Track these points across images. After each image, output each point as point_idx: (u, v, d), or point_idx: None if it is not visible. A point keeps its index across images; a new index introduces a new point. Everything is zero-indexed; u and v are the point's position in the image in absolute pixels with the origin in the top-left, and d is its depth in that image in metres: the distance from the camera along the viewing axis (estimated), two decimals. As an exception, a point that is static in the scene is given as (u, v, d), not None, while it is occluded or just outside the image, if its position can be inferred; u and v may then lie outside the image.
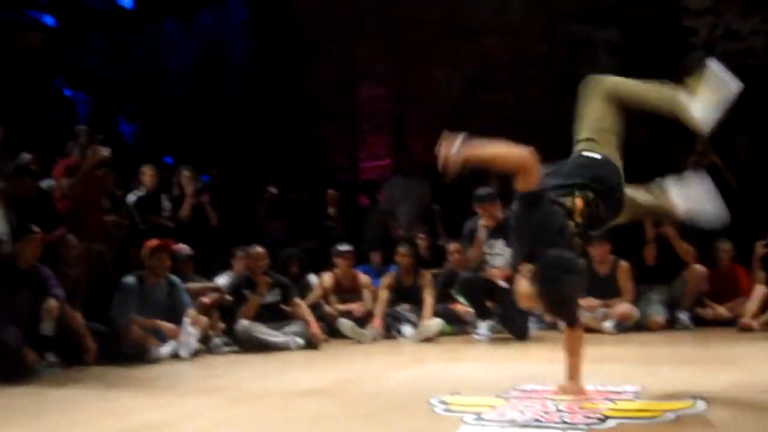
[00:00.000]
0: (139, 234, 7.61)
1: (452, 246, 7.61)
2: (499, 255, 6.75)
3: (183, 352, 6.11)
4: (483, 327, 6.71)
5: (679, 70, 6.77)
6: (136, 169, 8.36)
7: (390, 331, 7.20)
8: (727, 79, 3.76)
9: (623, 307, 6.86)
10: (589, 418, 3.11)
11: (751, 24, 8.99)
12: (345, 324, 7.00)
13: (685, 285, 7.03)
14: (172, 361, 6.00)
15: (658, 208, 3.90)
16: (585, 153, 3.75)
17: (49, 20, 12.93)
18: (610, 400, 3.50)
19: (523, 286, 3.36)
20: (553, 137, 9.86)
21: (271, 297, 6.86)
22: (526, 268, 3.34)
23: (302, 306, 6.89)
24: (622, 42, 9.65)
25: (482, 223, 6.74)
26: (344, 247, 7.61)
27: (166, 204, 8.08)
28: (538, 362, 5.29)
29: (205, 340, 6.53)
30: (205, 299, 6.87)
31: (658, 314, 6.87)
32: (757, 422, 3.08)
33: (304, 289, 7.50)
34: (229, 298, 7.03)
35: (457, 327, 7.27)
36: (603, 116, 3.79)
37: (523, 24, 10.26)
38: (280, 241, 8.82)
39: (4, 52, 12.27)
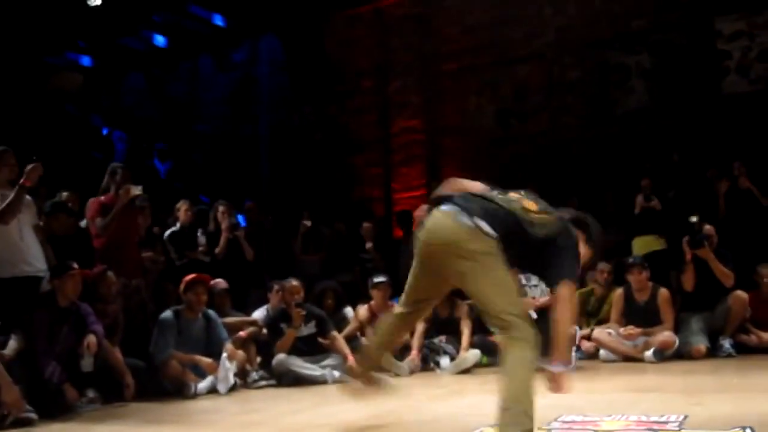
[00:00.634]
0: (175, 269, 7.67)
1: None
2: (535, 286, 6.71)
3: (221, 388, 6.12)
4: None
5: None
6: (172, 205, 8.46)
7: (427, 362, 7.13)
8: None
9: (664, 335, 6.73)
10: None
11: (785, 45, 8.91)
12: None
13: (728, 311, 6.88)
14: (210, 396, 6.01)
15: None
16: None
17: (86, 61, 13.21)
18: (653, 430, 3.43)
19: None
20: (587, 163, 9.91)
21: (307, 330, 6.85)
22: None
23: (339, 339, 6.87)
24: (655, 67, 9.59)
25: None
26: (380, 279, 7.57)
27: (202, 239, 8.13)
28: (578, 392, 5.20)
29: (242, 374, 6.53)
30: (242, 333, 6.89)
31: (700, 342, 6.73)
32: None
33: (341, 322, 7.47)
34: (265, 331, 7.03)
35: (494, 358, 7.18)
36: None
37: (555, 51, 10.26)
38: (316, 273, 8.84)
39: (45, 92, 12.56)
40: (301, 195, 10.94)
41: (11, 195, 5.74)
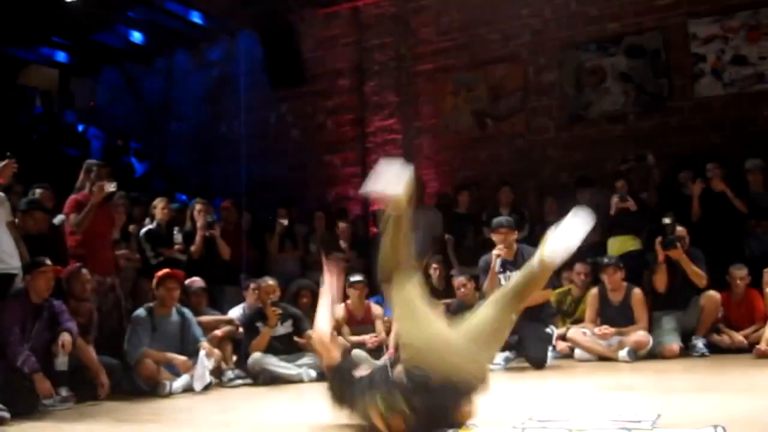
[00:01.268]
0: (150, 268, 7.63)
1: (458, 280, 7.60)
2: (513, 282, 6.73)
3: (197, 385, 6.10)
4: (499, 357, 6.67)
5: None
6: (148, 203, 8.41)
7: (403, 361, 7.14)
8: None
9: (637, 335, 6.80)
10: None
11: (759, 49, 9.00)
12: (359, 355, 6.96)
13: (700, 311, 6.96)
14: (185, 395, 5.98)
15: (534, 277, 3.69)
16: None
17: (61, 56, 13.09)
18: (627, 429, 3.45)
19: None
20: (563, 165, 9.97)
21: (283, 329, 6.85)
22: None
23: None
24: (630, 69, 9.67)
25: (496, 252, 6.69)
26: (356, 278, 7.58)
27: (178, 237, 8.09)
28: (553, 391, 5.24)
29: (218, 373, 6.52)
30: (218, 332, 6.87)
31: (673, 342, 6.80)
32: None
33: (317, 321, 7.47)
34: (241, 330, 7.02)
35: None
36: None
37: (531, 53, 10.30)
38: (292, 272, 8.83)
39: (18, 88, 12.42)
40: (277, 194, 10.90)
41: (-16, 192, 5.70)
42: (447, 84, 10.83)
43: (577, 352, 7.08)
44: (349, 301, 7.59)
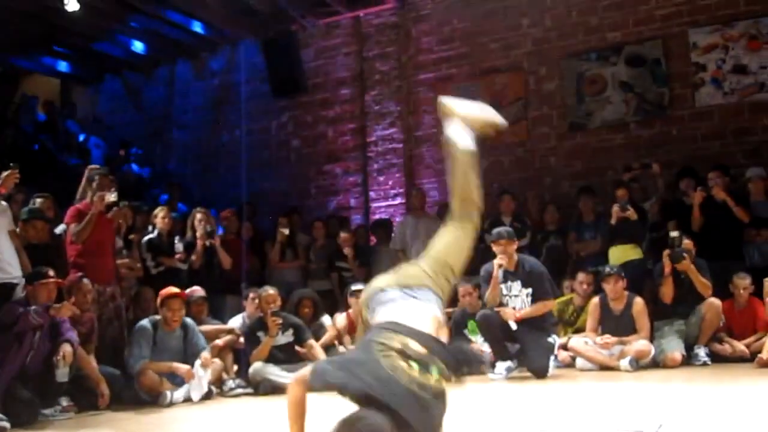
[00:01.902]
0: (151, 277, 7.63)
1: (463, 288, 7.58)
2: (516, 296, 6.73)
3: (194, 395, 6.09)
4: (501, 367, 6.66)
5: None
6: (149, 212, 8.41)
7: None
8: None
9: (639, 344, 6.78)
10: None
11: (759, 58, 9.01)
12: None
13: (702, 320, 6.94)
14: (185, 405, 5.97)
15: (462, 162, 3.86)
16: None
17: (63, 66, 13.11)
18: (630, 439, 3.45)
19: None
20: (564, 174, 9.98)
21: (285, 338, 6.84)
22: None
23: (316, 347, 6.86)
24: (631, 78, 9.68)
25: (497, 262, 6.68)
26: (357, 287, 7.57)
27: (179, 246, 8.09)
28: (556, 401, 5.23)
29: (218, 382, 6.51)
30: (219, 341, 6.86)
31: (675, 350, 6.79)
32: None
33: (318, 331, 7.46)
34: (242, 340, 7.01)
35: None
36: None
37: (532, 62, 10.32)
38: (293, 282, 8.83)
39: (20, 97, 12.44)
40: (278, 203, 10.91)
41: (-14, 201, 5.70)
42: (447, 93, 10.80)
43: (579, 361, 7.07)
44: (350, 310, 7.58)
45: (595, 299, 7.26)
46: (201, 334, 6.59)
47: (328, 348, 7.11)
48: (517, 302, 6.72)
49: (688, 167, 8.57)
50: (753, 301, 7.12)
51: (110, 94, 13.67)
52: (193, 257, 8.03)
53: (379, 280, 3.37)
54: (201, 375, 6.20)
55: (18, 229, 6.41)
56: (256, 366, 6.52)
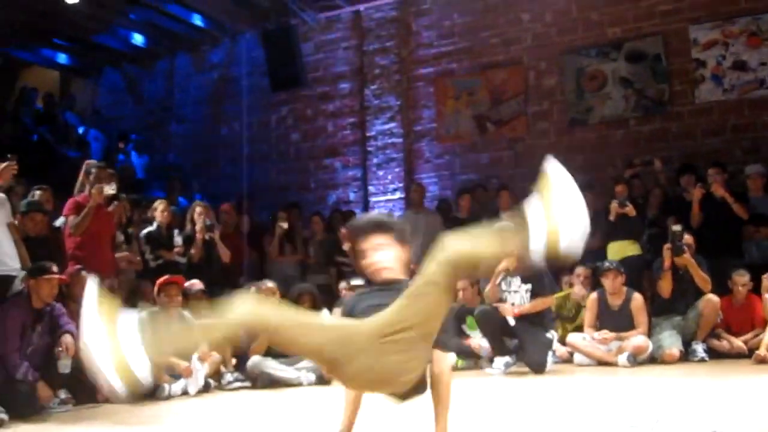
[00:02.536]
0: (150, 270, 7.63)
1: (460, 283, 7.57)
2: (516, 292, 6.74)
3: (191, 389, 6.10)
4: (499, 362, 6.67)
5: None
6: (149, 205, 8.41)
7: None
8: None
9: (637, 340, 6.79)
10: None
11: (759, 55, 9.01)
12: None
13: (699, 316, 6.95)
14: (183, 398, 5.98)
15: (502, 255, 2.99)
16: None
17: (63, 58, 13.10)
18: (627, 435, 3.46)
19: None
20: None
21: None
22: None
23: (314, 341, 6.84)
24: (631, 74, 9.68)
25: (502, 266, 6.66)
26: (357, 281, 7.56)
27: (178, 240, 8.08)
28: (554, 397, 5.24)
29: (217, 376, 6.51)
30: (217, 335, 6.84)
31: (673, 346, 6.80)
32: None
33: (317, 325, 7.44)
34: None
35: (470, 361, 7.23)
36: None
37: (532, 57, 10.32)
38: (292, 276, 8.82)
39: (19, 89, 12.43)
40: (277, 196, 10.92)
41: (-16, 193, 5.70)
42: (448, 88, 10.84)
43: (577, 356, 7.08)
44: (348, 305, 7.57)
45: (594, 295, 7.26)
46: (199, 327, 6.59)
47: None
48: (516, 298, 6.73)
49: (689, 164, 8.58)
50: (751, 297, 7.13)
51: (110, 87, 13.66)
52: (193, 251, 8.02)
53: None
54: (198, 368, 6.21)
55: (17, 222, 6.40)
56: (255, 359, 6.52)
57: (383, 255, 3.09)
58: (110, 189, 6.76)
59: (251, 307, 2.65)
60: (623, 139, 9.68)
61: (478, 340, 7.15)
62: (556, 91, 10.18)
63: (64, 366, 5.49)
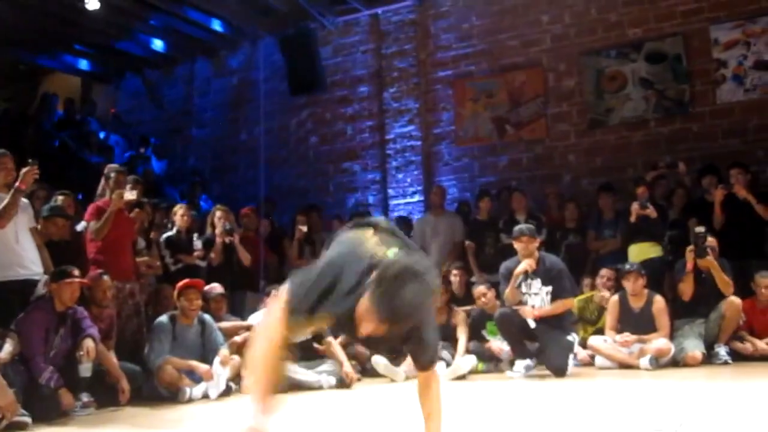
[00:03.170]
0: (171, 274, 7.66)
1: (478, 290, 7.55)
2: (536, 294, 6.70)
3: (212, 393, 6.11)
4: (520, 365, 6.64)
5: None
6: (169, 209, 8.45)
7: (423, 368, 7.11)
8: None
9: (659, 343, 6.74)
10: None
11: (781, 54, 8.94)
12: (379, 362, 6.94)
13: (722, 318, 6.88)
14: (205, 402, 6.00)
15: None
16: None
17: (84, 64, 13.21)
18: (650, 438, 3.43)
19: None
20: (584, 171, 9.93)
21: (303, 335, 6.84)
22: None
23: (334, 344, 6.86)
24: (651, 75, 9.62)
25: (524, 267, 6.63)
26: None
27: (198, 244, 8.12)
28: (576, 400, 5.21)
29: (238, 379, 6.52)
30: (238, 338, 6.87)
31: (695, 349, 6.73)
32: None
33: (336, 327, 7.46)
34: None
35: (490, 365, 7.21)
36: None
37: (551, 59, 10.28)
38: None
39: (41, 95, 12.55)
40: (297, 200, 10.94)
41: (7, 198, 5.74)
42: (467, 90, 10.83)
43: (598, 359, 7.03)
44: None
45: (615, 297, 7.22)
46: (219, 331, 6.61)
47: (347, 345, 7.11)
48: (537, 300, 6.70)
49: (711, 165, 8.50)
50: (775, 299, 7.05)
51: (130, 92, 13.76)
52: (212, 254, 8.05)
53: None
54: (220, 373, 6.22)
55: (39, 226, 6.45)
56: (275, 363, 6.52)
57: None
58: (130, 194, 6.80)
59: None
60: (643, 141, 9.61)
61: (498, 343, 7.12)
62: (576, 92, 10.13)
63: (85, 369, 5.54)
